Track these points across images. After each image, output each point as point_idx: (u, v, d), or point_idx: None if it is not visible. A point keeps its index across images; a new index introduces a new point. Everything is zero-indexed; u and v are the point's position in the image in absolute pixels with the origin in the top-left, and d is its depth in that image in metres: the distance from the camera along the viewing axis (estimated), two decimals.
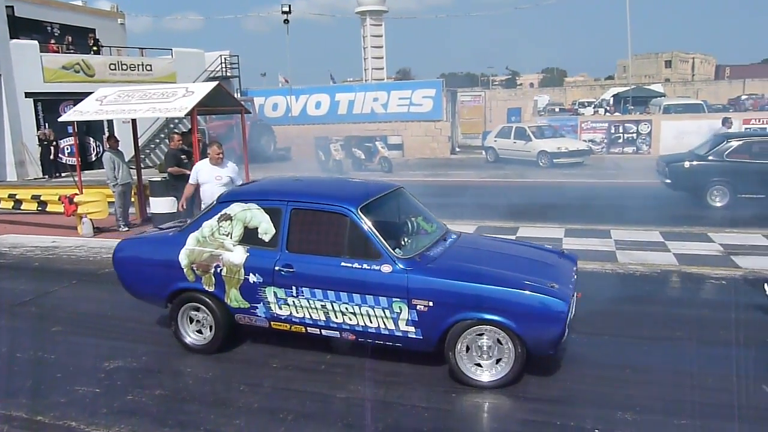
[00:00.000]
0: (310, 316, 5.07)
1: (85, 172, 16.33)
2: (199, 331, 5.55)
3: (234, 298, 5.29)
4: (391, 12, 33.53)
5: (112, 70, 24.53)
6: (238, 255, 5.23)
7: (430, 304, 4.70)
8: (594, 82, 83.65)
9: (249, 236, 5.28)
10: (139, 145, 13.25)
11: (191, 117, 10.04)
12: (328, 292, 4.94)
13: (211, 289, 5.36)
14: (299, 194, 5.38)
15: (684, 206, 12.22)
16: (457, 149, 26.74)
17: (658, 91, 38.69)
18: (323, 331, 5.11)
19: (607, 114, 31.64)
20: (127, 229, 11.04)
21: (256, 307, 5.24)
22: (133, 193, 11.69)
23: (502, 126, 23.08)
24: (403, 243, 5.14)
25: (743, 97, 45.28)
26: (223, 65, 28.16)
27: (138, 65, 25.69)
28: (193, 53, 27.92)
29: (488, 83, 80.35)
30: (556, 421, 4.24)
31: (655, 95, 34.39)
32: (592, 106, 41.22)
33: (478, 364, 4.71)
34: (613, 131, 23.30)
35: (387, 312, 4.82)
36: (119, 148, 11.34)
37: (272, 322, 5.26)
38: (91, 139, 23.97)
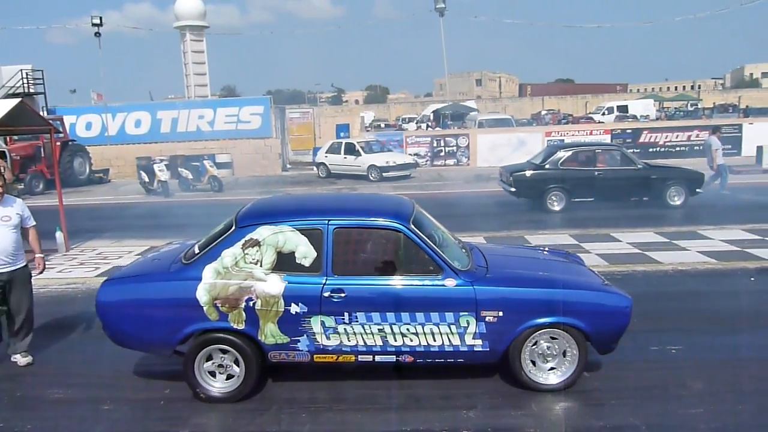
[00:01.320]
0: (365, 342, 4.70)
1: None
2: (214, 375, 4.82)
3: (270, 333, 4.71)
4: (213, 27, 32.63)
5: None
6: (274, 284, 4.67)
7: (500, 314, 4.63)
8: (415, 99, 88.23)
9: (284, 262, 4.72)
10: None
11: None
12: (387, 314, 4.64)
13: (241, 326, 4.70)
14: (340, 212, 4.99)
15: (528, 211, 13.50)
16: (289, 166, 26.66)
17: (472, 107, 41.85)
18: (377, 357, 4.77)
19: (429, 129, 33.54)
20: None
21: (298, 341, 4.71)
22: None
23: (332, 142, 23.46)
24: (449, 255, 4.92)
25: (543, 112, 50.60)
26: (25, 81, 25.48)
27: None
28: None
29: (315, 100, 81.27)
30: None
31: (470, 111, 37.12)
32: (415, 121, 43.44)
33: (547, 368, 4.78)
34: (435, 145, 24.72)
35: (453, 327, 4.65)
36: None
37: (316, 356, 4.77)
38: None
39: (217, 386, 4.80)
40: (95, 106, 28.37)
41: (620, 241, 10.13)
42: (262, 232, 4.75)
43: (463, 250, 5.23)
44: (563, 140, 24.05)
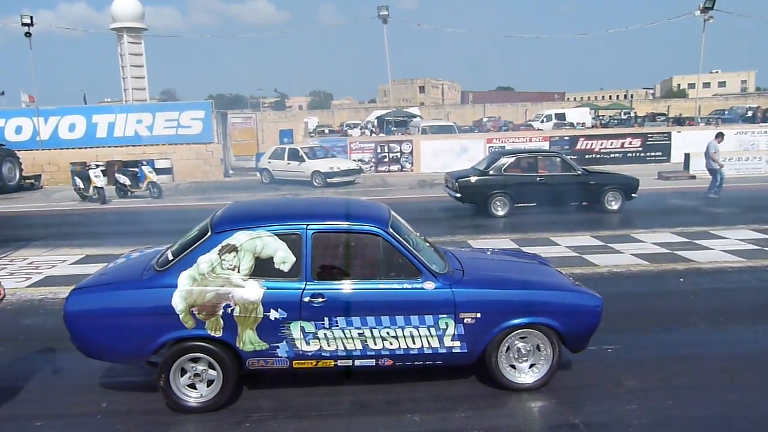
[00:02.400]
0: (345, 347, 4.67)
1: None
2: (191, 386, 4.69)
3: (249, 340, 4.61)
4: (152, 30, 31.76)
5: None
6: (252, 290, 4.58)
7: (478, 315, 4.70)
8: (359, 105, 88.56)
9: (262, 268, 4.65)
10: None
11: None
12: (368, 318, 4.63)
13: (218, 334, 4.59)
14: (318, 216, 4.93)
15: (470, 217, 13.75)
16: (231, 172, 26.23)
17: (416, 113, 42.28)
18: (357, 362, 4.76)
19: (373, 135, 33.67)
20: None
21: (277, 347, 4.64)
22: None
23: (275, 147, 23.21)
24: (426, 259, 4.92)
25: (484, 119, 51.62)
26: None
27: None
28: None
29: (258, 105, 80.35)
30: None
31: (413, 117, 37.51)
32: (359, 127, 43.54)
33: (513, 367, 4.90)
34: (379, 151, 24.82)
35: (432, 330, 4.71)
36: None
37: (295, 362, 4.71)
38: None
39: (194, 396, 4.69)
40: (26, 109, 27.14)
41: (559, 244, 10.44)
42: (239, 238, 4.68)
43: (438, 254, 5.30)
44: (504, 146, 24.60)
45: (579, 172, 13.70)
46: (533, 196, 13.56)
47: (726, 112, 45.18)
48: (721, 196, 15.31)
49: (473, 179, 13.74)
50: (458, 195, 13.78)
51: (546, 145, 24.38)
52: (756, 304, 7.27)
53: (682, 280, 8.27)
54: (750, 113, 41.89)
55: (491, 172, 13.64)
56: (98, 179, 18.13)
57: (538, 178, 13.53)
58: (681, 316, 6.84)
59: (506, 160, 13.76)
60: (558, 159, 14.11)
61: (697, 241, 10.39)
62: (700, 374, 5.31)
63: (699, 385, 5.11)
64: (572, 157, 21.50)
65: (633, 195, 13.88)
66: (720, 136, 16.19)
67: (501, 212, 13.47)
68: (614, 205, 13.69)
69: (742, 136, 24.02)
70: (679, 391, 4.97)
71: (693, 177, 19.75)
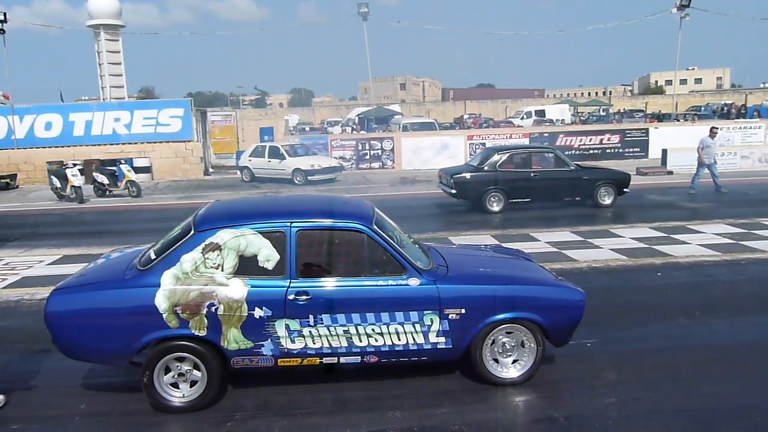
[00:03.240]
0: (330, 344, 4.68)
1: None
2: (175, 385, 4.66)
3: (233, 339, 4.59)
4: (130, 26, 31.42)
5: None
6: (236, 289, 4.57)
7: (462, 311, 4.73)
8: (339, 103, 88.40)
9: (246, 266, 4.63)
10: None
11: None
12: (353, 315, 4.64)
13: (202, 333, 4.56)
14: (303, 214, 4.91)
15: (450, 214, 13.83)
16: (211, 170, 26.04)
17: (396, 111, 42.28)
18: (342, 359, 4.77)
19: (354, 132, 33.62)
20: None
21: (262, 346, 4.63)
22: None
23: (256, 145, 23.09)
24: (411, 255, 4.93)
25: (465, 116, 51.80)
26: None
27: None
28: None
29: (238, 103, 79.81)
30: None
31: (394, 114, 37.52)
32: (340, 125, 43.42)
33: (497, 361, 4.95)
34: (360, 148, 24.80)
35: (417, 326, 4.73)
36: None
37: (280, 360, 4.70)
38: None
39: (178, 396, 4.66)
40: (1, 108, 26.70)
41: (539, 240, 10.52)
42: (222, 236, 4.66)
43: (422, 251, 5.33)
44: (485, 144, 24.71)
45: (572, 168, 13.83)
46: (527, 191, 13.62)
47: (702, 108, 45.82)
48: (699, 191, 15.51)
49: (468, 175, 13.79)
50: (453, 191, 13.82)
51: (526, 142, 24.57)
52: (731, 297, 7.41)
53: (659, 274, 8.39)
54: (725, 109, 42.52)
55: (486, 168, 13.69)
56: (75, 178, 17.89)
57: (532, 174, 13.60)
58: (658, 310, 6.94)
59: (500, 156, 13.80)
60: (551, 155, 14.19)
61: (674, 236, 10.54)
62: (676, 367, 5.39)
63: (676, 377, 5.19)
64: None
65: (625, 190, 14.01)
66: (712, 130, 16.14)
67: (496, 208, 13.53)
68: (607, 200, 13.83)
69: (718, 132, 24.35)
70: (656, 384, 5.05)
71: (670, 173, 20.03)
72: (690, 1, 32.49)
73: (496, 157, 13.80)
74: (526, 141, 24.59)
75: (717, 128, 16.64)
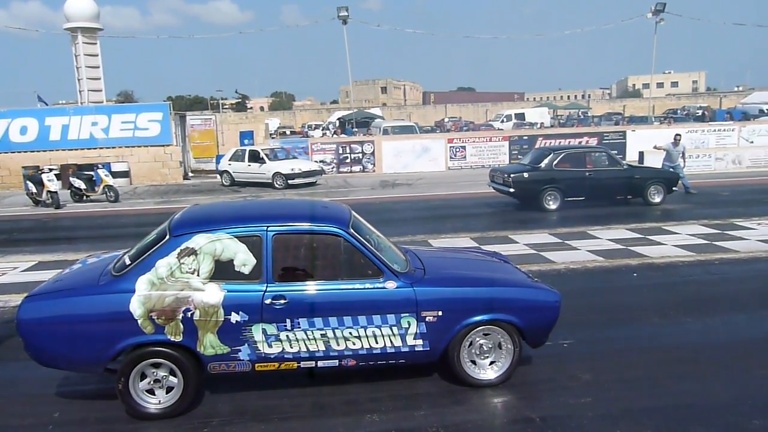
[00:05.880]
0: (307, 348, 4.66)
1: None
2: (151, 392, 4.59)
3: (210, 344, 4.55)
4: (107, 30, 31.06)
5: None
6: (212, 294, 4.53)
7: (439, 313, 4.74)
8: (321, 106, 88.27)
9: (222, 270, 4.59)
10: None
11: None
12: (330, 318, 4.62)
13: (178, 339, 4.52)
14: (279, 218, 4.85)
15: (434, 217, 13.77)
16: (191, 174, 25.84)
17: (377, 114, 42.37)
18: (320, 363, 4.75)
19: (335, 136, 33.60)
20: None
21: (239, 351, 4.60)
22: None
23: (235, 149, 22.97)
24: (388, 258, 4.92)
25: (446, 119, 52.08)
26: None
27: None
28: None
29: (218, 107, 79.28)
30: None
31: (375, 118, 37.55)
32: (321, 128, 43.40)
33: (475, 363, 4.97)
34: (341, 152, 24.79)
35: (395, 329, 4.73)
36: None
37: (257, 364, 4.67)
38: None
39: (154, 402, 4.60)
40: None
41: (517, 242, 10.60)
42: (198, 241, 4.62)
43: (400, 253, 5.33)
44: (465, 147, 24.83)
45: (624, 167, 14.23)
46: (582, 190, 13.88)
47: (678, 111, 46.54)
48: (674, 193, 15.71)
49: (527, 174, 13.95)
50: (511, 190, 13.95)
51: (506, 145, 24.76)
52: (705, 297, 7.52)
53: (635, 275, 8.49)
54: (699, 112, 43.22)
55: (543, 167, 13.88)
56: (52, 183, 17.62)
57: (587, 173, 13.86)
58: (634, 310, 7.02)
59: (556, 156, 14.03)
60: (604, 155, 14.53)
61: (650, 237, 10.68)
62: (651, 366, 5.46)
63: (651, 376, 5.26)
64: None
65: (674, 188, 14.46)
66: (676, 139, 16.44)
67: (553, 206, 13.76)
68: (657, 199, 14.18)
69: (693, 135, 24.78)
70: (632, 383, 5.11)
71: None
72: (665, 6, 33.00)
73: (552, 157, 14.01)
74: (506, 144, 24.79)
75: (680, 135, 17.00)
